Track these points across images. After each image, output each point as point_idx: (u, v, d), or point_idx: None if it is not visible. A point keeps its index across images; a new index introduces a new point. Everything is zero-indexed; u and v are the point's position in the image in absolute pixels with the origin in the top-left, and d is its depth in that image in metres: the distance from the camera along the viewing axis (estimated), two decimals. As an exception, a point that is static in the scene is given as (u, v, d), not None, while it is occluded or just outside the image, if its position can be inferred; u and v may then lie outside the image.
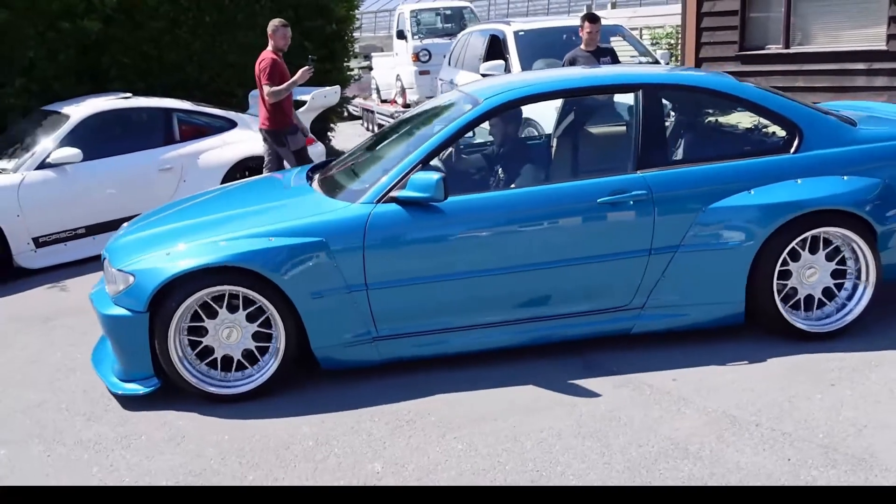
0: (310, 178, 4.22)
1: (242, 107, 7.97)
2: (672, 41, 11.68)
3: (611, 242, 3.68)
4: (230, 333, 3.54)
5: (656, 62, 8.33)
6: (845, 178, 3.74)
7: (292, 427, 3.36)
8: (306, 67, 6.00)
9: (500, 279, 3.62)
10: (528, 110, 5.10)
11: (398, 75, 13.19)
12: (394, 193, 3.57)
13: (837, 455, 2.89)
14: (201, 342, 3.55)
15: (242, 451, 3.20)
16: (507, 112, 4.20)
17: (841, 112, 4.25)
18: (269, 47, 6.24)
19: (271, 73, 6.06)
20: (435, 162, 3.84)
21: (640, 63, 8.26)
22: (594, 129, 4.59)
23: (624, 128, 4.09)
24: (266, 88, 6.04)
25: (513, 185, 4.24)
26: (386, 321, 3.61)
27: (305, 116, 7.19)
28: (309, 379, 3.72)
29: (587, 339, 3.84)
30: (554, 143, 4.72)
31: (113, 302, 3.57)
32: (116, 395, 3.67)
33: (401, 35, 13.25)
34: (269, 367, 3.58)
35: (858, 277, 3.82)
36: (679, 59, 11.02)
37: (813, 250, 3.78)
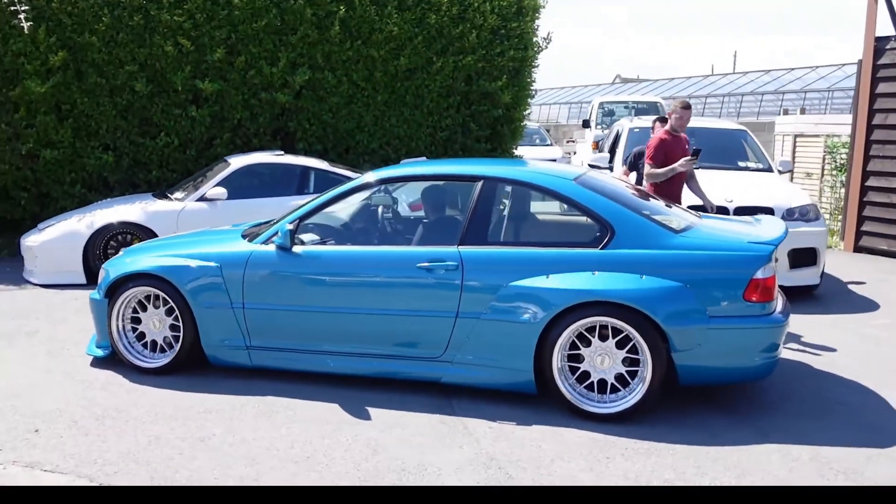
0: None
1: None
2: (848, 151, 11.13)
3: (424, 302, 4.44)
4: (155, 324, 4.92)
5: (769, 169, 8.36)
6: (643, 277, 4.12)
7: (203, 399, 4.57)
8: (689, 158, 5.99)
9: (337, 317, 4.59)
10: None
11: (582, 161, 14.08)
12: (273, 239, 4.72)
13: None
14: (138, 328, 4.99)
15: (158, 405, 4.48)
16: (380, 187, 5.09)
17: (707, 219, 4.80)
18: (667, 125, 6.26)
19: (654, 151, 6.07)
20: (318, 219, 4.90)
21: (749, 168, 8.37)
22: (440, 208, 5.25)
23: (461, 209, 4.75)
24: (646, 168, 6.13)
25: (358, 245, 4.97)
26: (256, 335, 4.75)
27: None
28: (246, 372, 4.91)
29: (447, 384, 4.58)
30: (409, 215, 5.57)
31: (98, 289, 5.11)
32: (90, 356, 5.22)
33: (586, 124, 14.16)
34: (174, 352, 4.90)
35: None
36: (847, 169, 10.61)
37: (603, 338, 4.18)
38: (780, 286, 6.97)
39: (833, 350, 5.69)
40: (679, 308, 4.13)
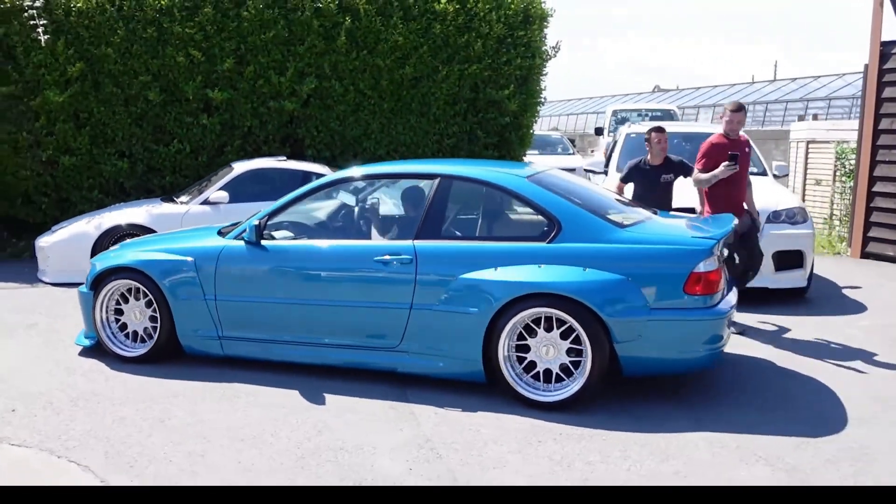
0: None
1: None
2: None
3: (381, 294, 4.63)
4: (136, 315, 5.19)
5: (763, 173, 8.38)
6: (586, 270, 4.25)
7: (173, 385, 4.83)
8: (727, 163, 5.85)
9: (300, 309, 4.80)
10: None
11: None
12: (242, 234, 4.95)
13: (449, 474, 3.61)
14: (121, 319, 5.28)
15: (131, 390, 4.75)
16: (343, 185, 5.46)
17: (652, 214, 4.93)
18: (721, 129, 6.19)
19: (704, 155, 6.00)
20: (289, 216, 5.13)
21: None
22: (408, 205, 5.43)
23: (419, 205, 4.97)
24: (694, 172, 6.12)
25: (323, 240, 5.05)
26: (227, 326, 4.99)
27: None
28: (219, 361, 5.17)
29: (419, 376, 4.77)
30: (375, 212, 5.77)
31: (85, 282, 5.41)
32: (79, 346, 5.52)
33: (598, 132, 14.24)
34: (153, 342, 5.17)
35: None
36: (854, 175, 10.53)
37: (549, 329, 4.32)
38: (766, 288, 7.10)
39: (802, 348, 5.73)
40: (620, 300, 4.26)
